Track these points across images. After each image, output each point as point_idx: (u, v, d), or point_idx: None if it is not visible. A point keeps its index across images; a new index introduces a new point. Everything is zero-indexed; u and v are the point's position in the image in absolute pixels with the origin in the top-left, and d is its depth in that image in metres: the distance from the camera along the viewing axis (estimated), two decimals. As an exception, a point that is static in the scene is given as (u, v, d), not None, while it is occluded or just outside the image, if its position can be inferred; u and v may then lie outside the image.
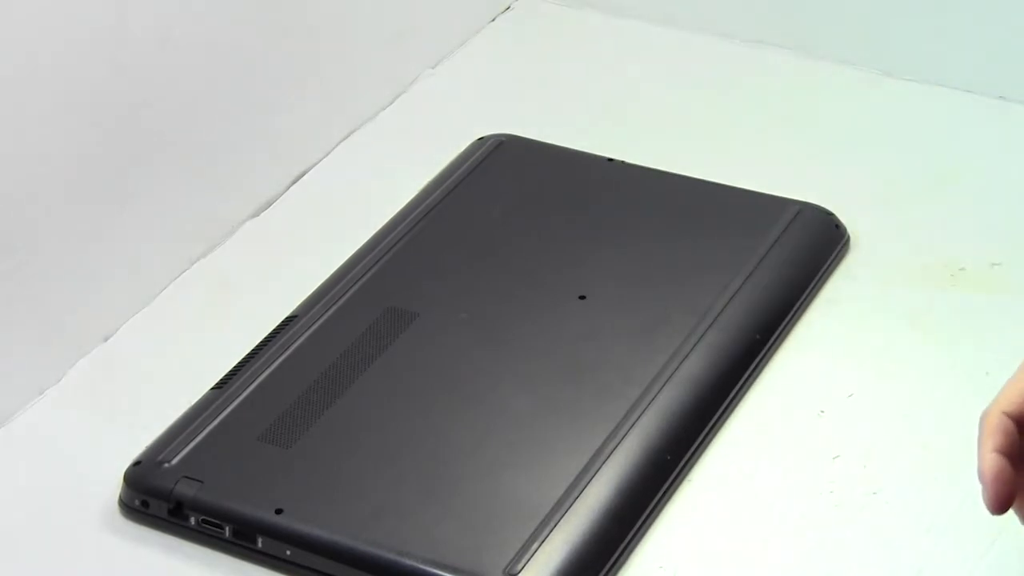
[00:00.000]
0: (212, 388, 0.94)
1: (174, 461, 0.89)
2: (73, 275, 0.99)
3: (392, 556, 0.83)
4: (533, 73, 1.29)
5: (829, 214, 1.06)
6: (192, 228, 1.08)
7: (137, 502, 0.88)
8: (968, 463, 0.90)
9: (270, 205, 1.14)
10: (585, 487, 0.86)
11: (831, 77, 1.24)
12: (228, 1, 1.07)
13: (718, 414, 0.93)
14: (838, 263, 1.04)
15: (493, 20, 1.35)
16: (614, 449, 0.88)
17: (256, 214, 1.13)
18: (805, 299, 1.01)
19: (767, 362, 0.97)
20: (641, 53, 1.30)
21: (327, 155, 1.19)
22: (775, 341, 0.98)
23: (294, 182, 1.16)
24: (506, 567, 0.82)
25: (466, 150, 1.15)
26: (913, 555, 0.84)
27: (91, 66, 0.97)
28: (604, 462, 0.87)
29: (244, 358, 0.96)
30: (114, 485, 0.90)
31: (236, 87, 1.10)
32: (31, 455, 0.94)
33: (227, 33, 1.08)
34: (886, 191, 1.11)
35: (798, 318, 1.00)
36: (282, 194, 1.15)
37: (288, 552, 0.84)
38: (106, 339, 1.02)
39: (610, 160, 1.12)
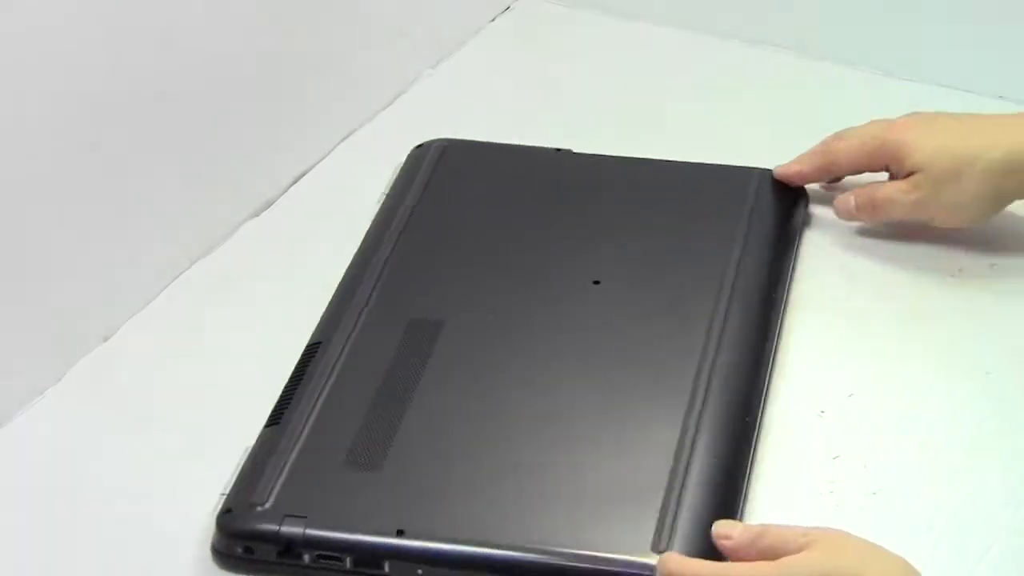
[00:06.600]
0: (266, 426, 0.91)
1: (268, 503, 0.85)
2: (73, 275, 0.99)
3: (535, 555, 0.81)
4: (533, 73, 1.29)
5: None
6: (192, 228, 1.08)
7: (240, 549, 0.84)
8: (968, 463, 0.90)
9: (270, 205, 1.14)
10: (690, 458, 0.86)
11: (831, 77, 1.24)
12: (228, 1, 1.07)
13: (769, 372, 0.95)
14: (808, 218, 1.08)
15: (493, 20, 1.35)
16: (700, 419, 0.89)
17: (256, 214, 1.13)
18: (796, 252, 1.05)
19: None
20: (641, 53, 1.30)
21: (327, 155, 1.19)
22: (785, 303, 1.01)
23: (294, 182, 1.16)
24: (653, 544, 0.81)
25: (411, 159, 1.13)
26: (913, 555, 0.83)
27: (92, 66, 0.97)
28: (696, 432, 0.88)
29: (285, 391, 0.93)
30: (114, 485, 0.90)
31: (236, 87, 1.10)
32: (31, 455, 0.94)
33: (227, 33, 1.08)
34: (886, 191, 1.11)
35: (795, 285, 1.03)
36: (282, 194, 1.15)
37: (420, 571, 0.82)
38: (106, 339, 1.02)
39: (558, 150, 1.12)
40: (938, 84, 1.21)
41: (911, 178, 1.01)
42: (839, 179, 1.09)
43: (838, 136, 1.07)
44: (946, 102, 1.19)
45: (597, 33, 1.33)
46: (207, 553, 0.85)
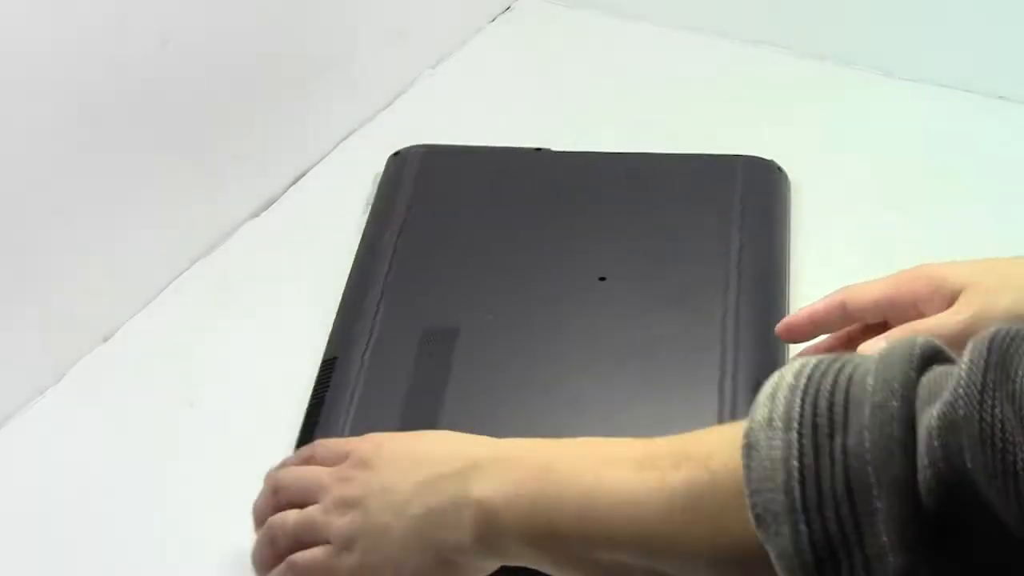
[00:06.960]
0: (297, 447, 0.89)
1: None
2: (73, 275, 0.99)
3: None
4: (533, 73, 1.29)
5: (769, 161, 1.10)
6: (192, 228, 1.08)
7: None
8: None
9: (270, 205, 1.14)
10: None
11: (831, 77, 1.24)
12: (228, 1, 1.07)
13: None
14: (790, 203, 1.08)
15: (493, 20, 1.35)
16: (731, 412, 0.88)
17: (256, 214, 1.13)
18: (789, 237, 1.05)
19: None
20: (641, 53, 1.30)
21: (327, 155, 1.19)
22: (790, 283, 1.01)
23: (294, 182, 1.16)
24: None
25: (390, 167, 1.13)
26: (913, 555, 0.83)
27: (91, 66, 0.97)
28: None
29: (309, 413, 0.92)
30: (114, 485, 0.90)
31: (236, 87, 1.10)
32: (31, 455, 0.94)
33: (227, 33, 1.08)
34: (886, 190, 1.12)
35: (795, 286, 1.02)
36: (282, 194, 1.15)
37: None
38: (106, 339, 1.02)
39: (537, 149, 1.12)
40: (938, 84, 1.21)
41: (959, 299, 0.86)
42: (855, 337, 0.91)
43: None
44: (946, 102, 1.20)
45: (597, 33, 1.33)
46: (211, 558, 0.85)
